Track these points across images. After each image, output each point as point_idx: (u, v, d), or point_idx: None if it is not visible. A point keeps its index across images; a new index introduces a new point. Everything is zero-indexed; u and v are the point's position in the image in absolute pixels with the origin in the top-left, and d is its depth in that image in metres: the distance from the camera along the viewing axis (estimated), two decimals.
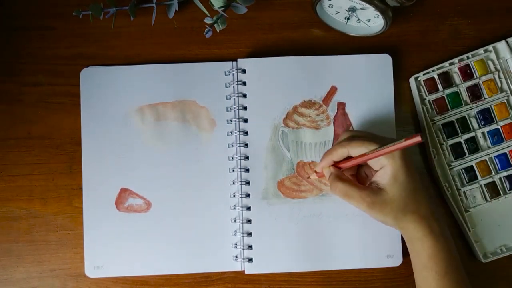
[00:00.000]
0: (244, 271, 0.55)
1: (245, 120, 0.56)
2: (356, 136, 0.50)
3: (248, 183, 0.55)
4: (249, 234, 0.55)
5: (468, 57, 0.56)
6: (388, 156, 0.47)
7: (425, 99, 0.56)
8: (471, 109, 0.56)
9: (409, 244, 0.50)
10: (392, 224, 0.49)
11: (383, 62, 0.56)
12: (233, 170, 0.56)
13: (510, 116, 0.56)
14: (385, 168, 0.48)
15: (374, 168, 0.50)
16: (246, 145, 0.56)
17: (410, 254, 0.50)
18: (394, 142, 0.46)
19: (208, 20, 0.53)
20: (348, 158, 0.50)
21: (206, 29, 0.53)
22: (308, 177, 0.55)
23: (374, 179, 0.49)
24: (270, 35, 0.57)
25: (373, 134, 0.51)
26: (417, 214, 0.48)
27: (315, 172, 0.54)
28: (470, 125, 0.56)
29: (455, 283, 0.47)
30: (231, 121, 0.56)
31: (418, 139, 0.44)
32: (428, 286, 0.48)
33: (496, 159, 0.55)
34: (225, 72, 0.56)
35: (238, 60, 0.56)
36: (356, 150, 0.49)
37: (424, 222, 0.48)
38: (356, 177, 0.53)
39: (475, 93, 0.56)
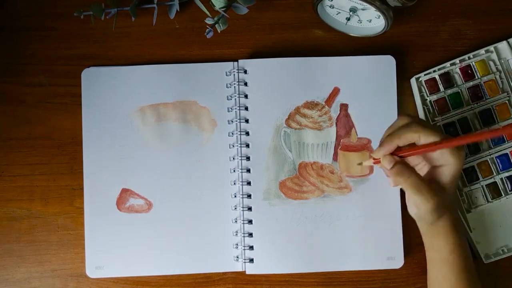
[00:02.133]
0: (245, 271, 0.55)
1: (246, 121, 0.56)
2: (420, 123, 0.46)
3: (249, 183, 0.55)
4: (250, 234, 0.55)
5: (469, 58, 0.56)
6: (453, 154, 0.45)
7: (426, 99, 0.56)
8: (472, 109, 0.56)
9: (432, 239, 0.49)
10: (429, 219, 0.48)
11: (386, 64, 0.56)
12: (234, 171, 0.56)
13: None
14: (449, 166, 0.46)
15: (434, 163, 0.47)
16: (247, 146, 0.56)
17: (429, 250, 0.50)
18: (472, 132, 0.45)
19: (209, 21, 0.53)
20: (410, 146, 0.47)
21: (207, 30, 0.53)
22: (360, 164, 0.53)
23: (435, 176, 0.47)
24: (271, 36, 0.57)
25: (431, 124, 0.48)
26: (451, 212, 0.48)
27: (373, 158, 0.50)
28: (472, 126, 0.56)
29: (474, 277, 0.49)
30: (232, 121, 0.56)
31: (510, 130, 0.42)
32: (448, 280, 0.49)
33: (498, 160, 0.55)
34: (226, 73, 0.56)
35: (239, 60, 0.56)
36: (430, 137, 0.45)
37: (452, 217, 0.48)
38: None
39: (477, 94, 0.56)
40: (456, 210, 0.49)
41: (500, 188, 0.55)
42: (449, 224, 0.48)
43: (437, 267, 0.50)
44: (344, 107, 0.56)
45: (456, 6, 0.58)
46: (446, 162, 0.46)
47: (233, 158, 0.56)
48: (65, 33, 0.57)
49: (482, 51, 0.56)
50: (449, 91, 0.56)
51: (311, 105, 0.56)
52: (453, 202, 0.50)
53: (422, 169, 0.50)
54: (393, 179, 0.48)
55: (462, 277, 0.48)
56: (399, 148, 0.48)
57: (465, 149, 0.47)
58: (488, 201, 0.55)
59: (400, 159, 0.48)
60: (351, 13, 0.54)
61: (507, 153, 0.55)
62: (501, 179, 0.55)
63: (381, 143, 0.49)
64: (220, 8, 0.53)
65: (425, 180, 0.47)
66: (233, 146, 0.56)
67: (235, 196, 0.55)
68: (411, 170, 0.47)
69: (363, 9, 0.53)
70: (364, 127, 0.56)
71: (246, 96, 0.56)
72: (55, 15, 0.57)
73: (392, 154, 0.48)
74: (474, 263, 0.55)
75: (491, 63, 0.56)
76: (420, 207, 0.47)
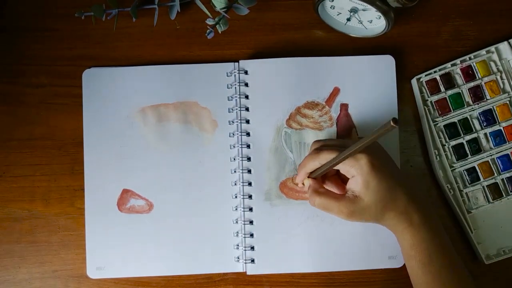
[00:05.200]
0: (246, 272, 0.55)
1: (247, 121, 0.56)
2: (325, 145, 0.50)
3: (250, 184, 0.55)
4: (251, 235, 0.55)
5: (470, 58, 0.56)
6: (355, 166, 0.48)
7: (427, 100, 0.56)
8: (473, 110, 0.56)
9: (395, 235, 0.51)
10: (375, 223, 0.50)
11: (385, 63, 0.56)
12: (235, 171, 0.56)
13: None
14: (355, 177, 0.48)
15: (347, 176, 0.50)
16: (248, 146, 0.56)
17: (399, 244, 0.51)
18: (359, 143, 0.45)
19: (210, 21, 0.53)
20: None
21: (208, 30, 0.53)
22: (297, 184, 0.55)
23: (349, 186, 0.50)
24: (272, 36, 0.57)
25: (342, 141, 0.51)
26: (395, 211, 0.49)
27: (296, 184, 0.55)
28: (472, 126, 0.56)
29: (441, 269, 0.48)
30: (233, 122, 0.56)
31: (388, 126, 0.39)
32: (415, 275, 0.50)
33: (499, 160, 0.55)
34: (227, 73, 0.56)
35: (240, 61, 0.56)
36: (326, 161, 0.49)
37: (403, 216, 0.49)
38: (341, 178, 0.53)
39: (477, 94, 0.56)
40: (413, 207, 0.49)
41: (501, 189, 0.55)
42: (398, 222, 0.49)
43: (405, 262, 0.51)
44: (344, 107, 0.56)
45: (457, 6, 0.58)
46: (352, 174, 0.49)
47: (234, 159, 0.56)
48: (66, 33, 0.57)
49: (483, 51, 0.56)
50: (450, 92, 0.56)
51: (311, 105, 0.56)
52: (398, 201, 0.48)
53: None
54: (310, 203, 0.52)
55: (428, 271, 0.48)
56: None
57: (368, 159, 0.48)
58: (489, 202, 0.55)
59: (314, 183, 0.51)
60: (351, 13, 0.54)
61: (508, 154, 0.55)
62: (502, 179, 0.55)
63: (297, 172, 0.53)
64: (221, 9, 0.53)
65: (334, 197, 0.50)
66: (234, 146, 0.56)
67: (236, 197, 0.55)
68: (319, 192, 0.50)
69: (364, 10, 0.53)
70: (365, 127, 0.56)
71: (246, 97, 0.56)
72: (56, 16, 0.57)
73: (311, 177, 0.52)
74: (475, 264, 0.55)
75: (492, 63, 0.56)
76: (341, 218, 0.50)
